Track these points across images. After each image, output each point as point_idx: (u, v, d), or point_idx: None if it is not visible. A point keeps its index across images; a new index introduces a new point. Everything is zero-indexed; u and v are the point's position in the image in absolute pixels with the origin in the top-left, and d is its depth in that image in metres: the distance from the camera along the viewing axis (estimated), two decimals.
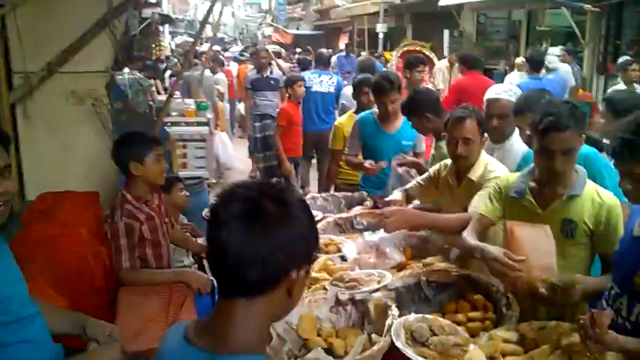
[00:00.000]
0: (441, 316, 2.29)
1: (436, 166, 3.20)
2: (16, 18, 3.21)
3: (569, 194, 2.31)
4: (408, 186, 3.38)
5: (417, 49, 10.71)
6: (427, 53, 10.34)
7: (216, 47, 16.00)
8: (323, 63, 7.79)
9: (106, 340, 1.93)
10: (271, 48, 13.68)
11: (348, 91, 6.26)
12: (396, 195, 3.30)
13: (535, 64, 7.37)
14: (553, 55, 9.70)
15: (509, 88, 3.32)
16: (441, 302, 2.46)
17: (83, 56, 3.36)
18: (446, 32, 15.13)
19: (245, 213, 1.21)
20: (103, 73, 3.47)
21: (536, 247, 2.16)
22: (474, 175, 2.87)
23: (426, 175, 3.29)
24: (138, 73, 5.69)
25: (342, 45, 20.53)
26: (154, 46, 15.11)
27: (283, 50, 17.13)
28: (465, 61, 6.71)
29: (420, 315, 2.21)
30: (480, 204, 2.60)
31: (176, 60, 13.50)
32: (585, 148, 2.61)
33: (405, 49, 10.92)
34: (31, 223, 2.88)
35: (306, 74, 7.34)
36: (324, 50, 8.60)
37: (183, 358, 1.25)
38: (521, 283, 2.11)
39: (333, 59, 11.97)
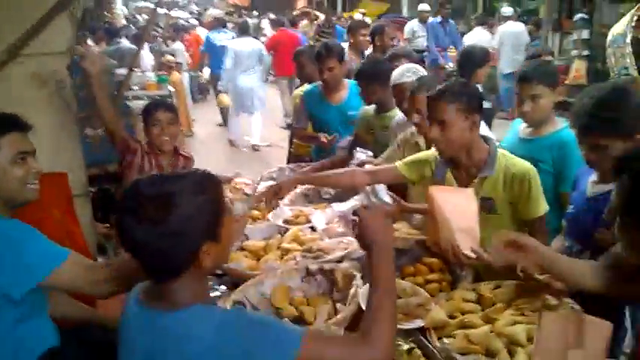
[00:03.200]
0: (401, 279, 2.43)
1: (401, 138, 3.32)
2: None
3: (481, 176, 2.45)
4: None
5: None
6: None
7: (178, 13, 15.75)
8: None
9: None
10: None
11: None
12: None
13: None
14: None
15: (410, 69, 3.41)
16: (399, 266, 2.58)
17: (44, 38, 3.31)
18: None
19: (133, 212, 1.37)
20: (64, 54, 3.45)
21: (458, 210, 2.23)
22: None
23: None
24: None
25: (299, 5, 20.29)
26: (106, 13, 14.72)
27: None
28: (274, 22, 10.92)
29: None
30: (403, 161, 2.75)
31: (132, 28, 13.20)
32: (567, 134, 2.71)
33: None
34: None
35: None
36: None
37: (136, 317, 1.49)
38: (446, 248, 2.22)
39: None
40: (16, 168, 1.94)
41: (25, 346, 1.91)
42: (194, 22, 15.40)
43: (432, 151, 2.65)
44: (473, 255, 2.14)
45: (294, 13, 17.15)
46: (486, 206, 2.45)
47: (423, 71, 3.45)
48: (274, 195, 2.90)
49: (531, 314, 2.01)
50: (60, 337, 2.05)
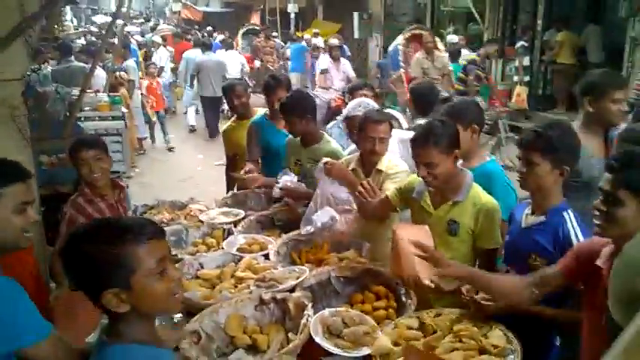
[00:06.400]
0: (349, 307, 2.58)
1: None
2: None
3: (454, 200, 2.70)
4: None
5: (422, 33, 10.41)
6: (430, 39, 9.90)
7: (130, 28, 15.70)
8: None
9: None
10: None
11: None
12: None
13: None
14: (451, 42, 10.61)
15: (360, 104, 3.66)
16: (348, 294, 2.76)
17: None
18: (355, 14, 15.50)
19: (65, 255, 1.53)
20: (18, 80, 3.46)
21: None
22: (382, 166, 3.25)
23: None
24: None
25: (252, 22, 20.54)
26: (56, 27, 14.45)
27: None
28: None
29: (334, 309, 2.49)
30: (392, 190, 3.00)
31: (84, 42, 13.10)
32: (492, 165, 3.09)
33: (412, 32, 10.67)
34: None
35: None
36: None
37: (97, 348, 1.61)
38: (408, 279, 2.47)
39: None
40: (17, 217, 2.00)
41: None
42: (155, 37, 15.30)
43: (414, 176, 2.88)
44: (432, 285, 2.39)
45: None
46: (451, 229, 2.69)
47: (373, 104, 3.68)
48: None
49: (468, 341, 2.18)
50: None
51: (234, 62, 12.19)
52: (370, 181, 3.05)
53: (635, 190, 1.84)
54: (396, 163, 3.29)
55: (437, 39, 10.34)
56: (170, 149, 10.56)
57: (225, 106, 12.07)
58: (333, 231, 3.18)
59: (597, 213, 1.94)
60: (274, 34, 16.22)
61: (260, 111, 4.65)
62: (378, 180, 3.23)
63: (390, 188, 3.11)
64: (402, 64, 10.23)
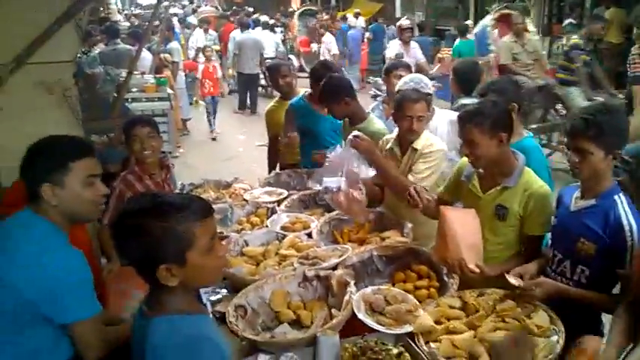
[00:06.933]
0: (391, 285, 2.60)
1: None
2: None
3: (503, 185, 2.65)
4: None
5: (511, 13, 9.19)
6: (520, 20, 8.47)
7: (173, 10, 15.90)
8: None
9: None
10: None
11: None
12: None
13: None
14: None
15: (412, 79, 3.62)
16: (390, 273, 2.78)
17: (50, 47, 3.46)
18: None
19: (119, 227, 1.56)
20: (69, 62, 3.58)
21: (465, 228, 2.50)
22: (418, 144, 3.24)
23: None
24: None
25: (294, 5, 20.41)
26: (101, 9, 14.75)
27: None
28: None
29: (376, 287, 2.53)
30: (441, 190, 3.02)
31: (128, 24, 13.33)
32: (529, 142, 3.06)
33: (500, 12, 9.66)
34: (6, 211, 3.02)
35: None
36: None
37: (139, 325, 1.64)
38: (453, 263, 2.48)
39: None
40: (87, 190, 2.10)
41: (43, 353, 2.03)
42: (190, 19, 15.47)
43: (465, 159, 2.85)
44: (477, 270, 2.41)
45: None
46: (499, 214, 2.66)
47: (426, 80, 3.64)
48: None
49: (511, 321, 2.18)
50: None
51: (269, 42, 12.66)
52: (417, 186, 2.89)
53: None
54: (432, 142, 3.26)
55: (527, 19, 9.08)
56: (213, 139, 10.30)
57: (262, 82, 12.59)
58: (334, 197, 3.15)
59: None
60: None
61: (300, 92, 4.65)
62: (413, 158, 3.24)
63: (420, 169, 3.13)
64: (492, 47, 9.29)
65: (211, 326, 1.65)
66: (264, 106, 5.53)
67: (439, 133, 3.57)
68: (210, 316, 1.85)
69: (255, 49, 11.46)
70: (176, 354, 1.49)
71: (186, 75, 10.31)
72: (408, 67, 4.48)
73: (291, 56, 14.51)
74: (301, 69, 14.35)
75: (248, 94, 12.03)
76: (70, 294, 1.96)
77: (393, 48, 9.10)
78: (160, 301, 1.61)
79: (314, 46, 14.11)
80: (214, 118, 10.42)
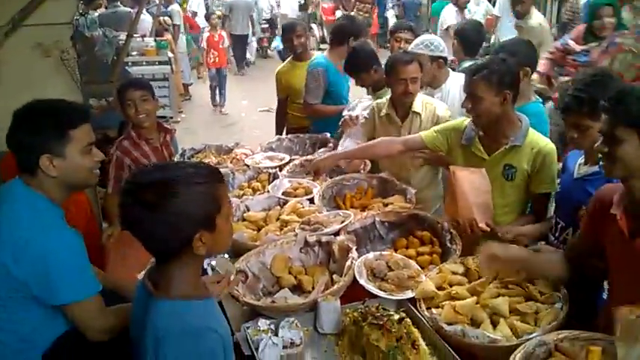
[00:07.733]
0: (394, 251, 2.58)
1: (370, 109, 3.49)
2: None
3: (510, 144, 2.62)
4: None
5: None
6: None
7: None
8: None
9: None
10: None
11: None
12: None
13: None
14: None
15: (422, 42, 3.59)
16: (392, 239, 2.76)
17: (46, 9, 3.39)
18: None
19: (133, 195, 1.45)
20: (67, 24, 3.51)
21: (475, 187, 2.52)
22: (417, 107, 3.23)
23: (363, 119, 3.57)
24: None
25: None
26: None
27: None
28: None
29: (378, 252, 2.51)
30: (427, 131, 2.94)
31: None
32: (535, 107, 3.06)
33: None
34: (6, 176, 2.98)
35: None
36: None
37: (141, 298, 1.59)
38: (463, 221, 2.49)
39: None
40: (85, 158, 2.02)
41: (39, 330, 1.97)
42: None
43: (463, 119, 2.82)
44: (487, 228, 2.45)
45: None
46: (507, 174, 2.65)
47: (439, 41, 3.62)
48: (316, 176, 3.20)
49: (514, 287, 2.16)
50: None
51: (263, 3, 13.19)
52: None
53: (631, 125, 1.77)
54: (431, 102, 3.28)
55: None
56: (222, 112, 9.59)
57: (254, 45, 12.92)
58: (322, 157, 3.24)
59: (600, 155, 1.91)
60: None
61: (317, 54, 4.59)
62: (417, 123, 3.21)
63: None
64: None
65: (214, 313, 1.59)
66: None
67: (451, 96, 3.53)
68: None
69: (246, 10, 11.79)
70: (178, 343, 1.44)
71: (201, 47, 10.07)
72: (410, 29, 4.39)
73: (313, 25, 13.37)
74: (323, 40, 13.08)
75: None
76: (63, 275, 1.88)
77: (448, 16, 7.40)
78: (166, 280, 1.54)
79: (338, 14, 12.13)
80: (221, 94, 9.59)
